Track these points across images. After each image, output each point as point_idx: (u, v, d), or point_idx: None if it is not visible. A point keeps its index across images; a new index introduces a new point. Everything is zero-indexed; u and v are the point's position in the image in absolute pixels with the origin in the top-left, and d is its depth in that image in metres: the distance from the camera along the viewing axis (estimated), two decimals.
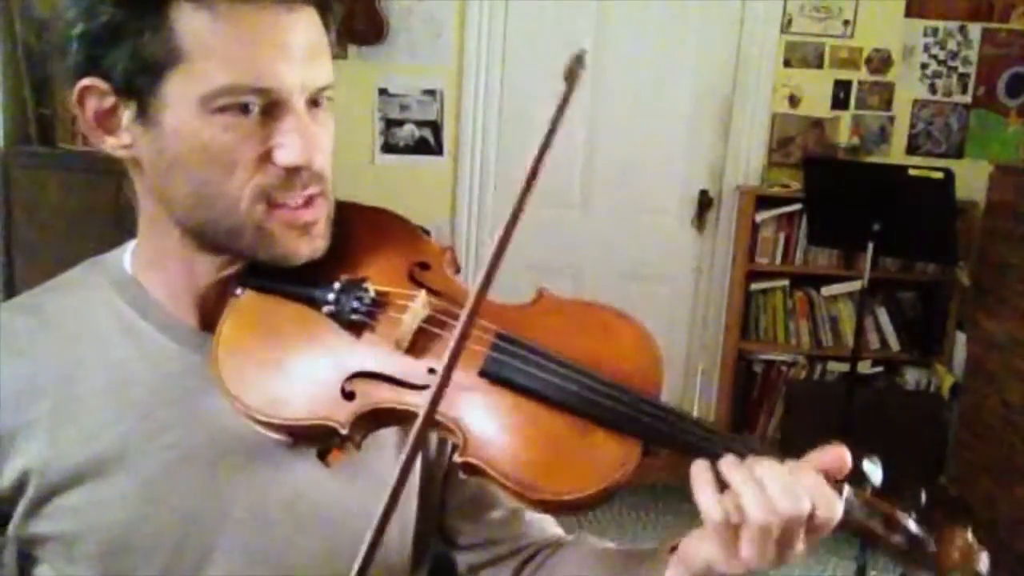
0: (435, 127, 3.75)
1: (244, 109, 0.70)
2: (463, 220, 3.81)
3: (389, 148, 3.74)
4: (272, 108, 0.71)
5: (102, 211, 2.26)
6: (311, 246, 0.76)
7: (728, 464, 0.67)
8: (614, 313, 0.76)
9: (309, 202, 0.75)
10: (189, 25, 0.69)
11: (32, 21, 2.40)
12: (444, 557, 0.95)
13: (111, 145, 0.76)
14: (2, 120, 2.40)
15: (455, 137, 3.75)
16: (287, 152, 0.72)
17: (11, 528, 0.79)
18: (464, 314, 0.64)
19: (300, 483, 0.79)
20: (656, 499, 3.21)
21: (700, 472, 0.67)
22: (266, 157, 0.72)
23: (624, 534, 3.01)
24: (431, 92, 3.71)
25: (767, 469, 0.66)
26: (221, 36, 0.69)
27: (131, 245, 0.85)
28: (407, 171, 3.75)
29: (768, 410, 3.79)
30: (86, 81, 0.73)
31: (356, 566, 0.58)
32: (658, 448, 0.69)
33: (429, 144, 3.76)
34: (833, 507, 0.66)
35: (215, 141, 0.70)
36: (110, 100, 0.73)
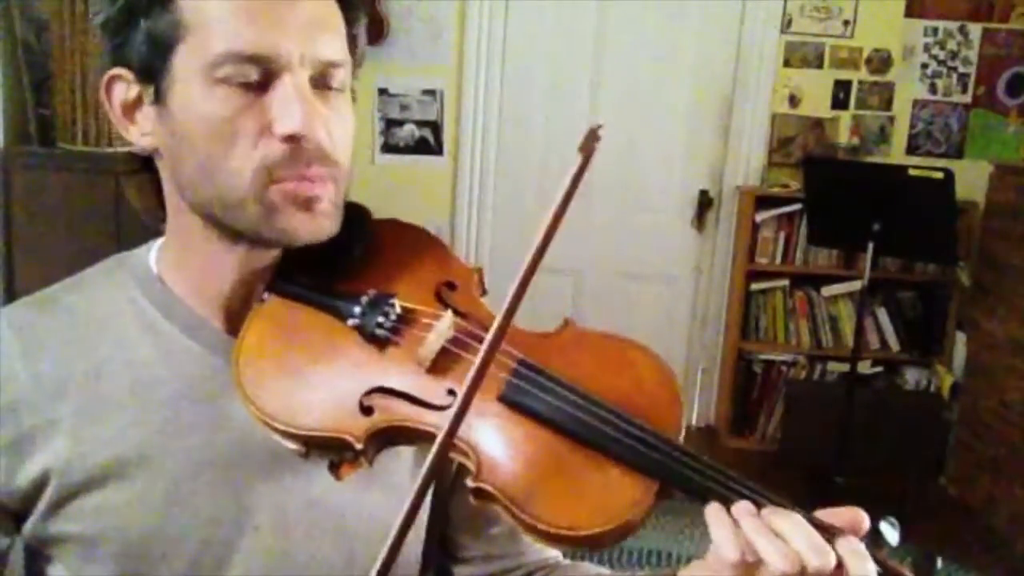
0: (435, 127, 3.75)
1: (245, 82, 0.70)
2: (463, 220, 3.81)
3: (389, 148, 3.74)
4: (272, 79, 0.71)
5: (102, 211, 2.25)
6: (314, 224, 0.74)
7: (741, 511, 0.65)
8: (638, 349, 0.75)
9: (314, 179, 0.74)
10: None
11: (32, 21, 2.40)
12: (444, 568, 0.95)
13: (134, 135, 0.77)
14: (2, 120, 2.40)
15: (455, 137, 3.75)
16: (284, 121, 0.70)
17: (28, 527, 0.78)
18: (485, 344, 0.64)
19: (318, 490, 0.79)
20: (662, 501, 3.21)
21: (717, 513, 0.65)
22: (267, 130, 0.71)
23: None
24: (431, 92, 3.71)
25: (787, 519, 0.64)
26: (221, 6, 0.70)
27: (157, 243, 0.85)
28: (407, 171, 3.75)
29: (768, 410, 3.79)
30: (112, 71, 0.75)
31: None
32: (674, 490, 0.67)
33: (429, 144, 3.76)
34: (864, 560, 0.63)
35: (216, 113, 0.70)
36: (135, 89, 0.75)
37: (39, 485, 0.76)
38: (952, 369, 3.71)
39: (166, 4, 0.71)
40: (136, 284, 0.82)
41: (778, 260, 3.71)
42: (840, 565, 0.63)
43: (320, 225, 0.75)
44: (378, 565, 0.60)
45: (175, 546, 0.77)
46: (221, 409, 0.77)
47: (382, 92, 3.69)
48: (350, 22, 0.77)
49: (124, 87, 0.75)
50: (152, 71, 0.72)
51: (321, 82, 0.74)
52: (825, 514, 0.67)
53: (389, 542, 0.60)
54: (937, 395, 3.70)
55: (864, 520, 0.67)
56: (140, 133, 0.76)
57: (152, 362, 0.79)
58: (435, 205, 3.77)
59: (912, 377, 3.75)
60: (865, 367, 3.65)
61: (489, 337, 0.66)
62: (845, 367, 3.44)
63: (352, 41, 0.78)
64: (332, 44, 0.74)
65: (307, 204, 0.73)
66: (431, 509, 0.88)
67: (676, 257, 3.92)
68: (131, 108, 0.76)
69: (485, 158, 3.79)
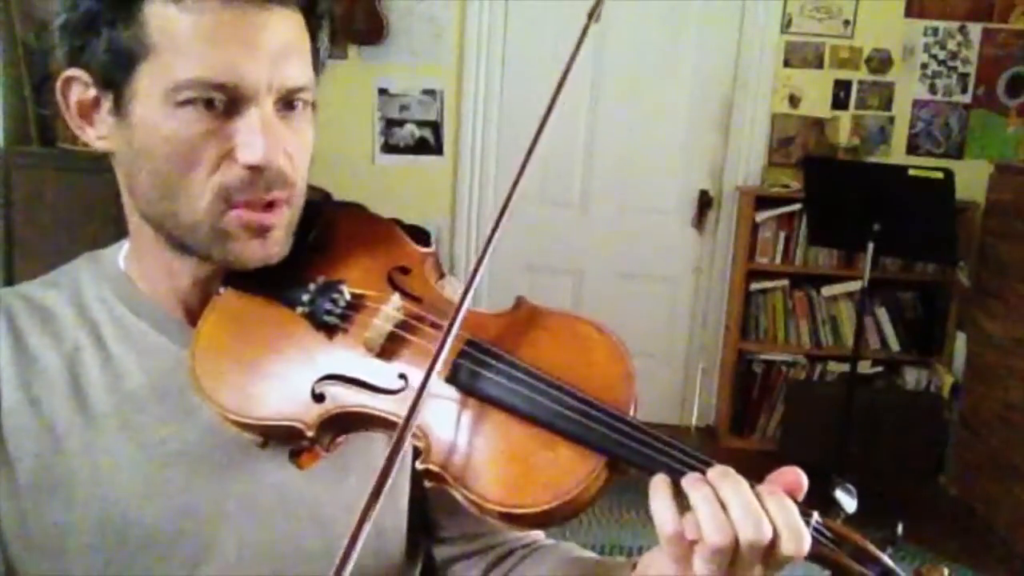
0: (435, 127, 3.75)
1: (208, 105, 0.70)
2: (463, 220, 3.81)
3: (389, 148, 3.74)
4: (236, 105, 0.71)
5: (102, 211, 2.25)
6: (264, 251, 0.75)
7: (690, 480, 0.64)
8: (590, 325, 0.74)
9: (271, 206, 0.74)
10: (159, 18, 0.69)
11: (32, 21, 2.40)
12: (425, 550, 0.95)
13: (90, 136, 0.77)
14: (2, 120, 2.40)
15: (455, 137, 3.75)
16: (247, 151, 0.71)
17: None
18: (449, 326, 0.65)
19: (293, 478, 0.78)
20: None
21: (659, 485, 0.64)
22: (228, 155, 0.71)
23: (624, 531, 3.01)
24: (431, 92, 3.71)
25: (732, 489, 0.63)
26: (189, 30, 0.69)
27: (127, 241, 0.86)
28: (407, 171, 3.75)
29: (768, 410, 3.79)
30: (69, 72, 0.75)
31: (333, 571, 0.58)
32: (626, 466, 0.66)
33: (429, 144, 3.76)
34: (800, 538, 0.62)
35: (178, 135, 0.70)
36: (92, 92, 0.75)
37: (9, 464, 0.76)
38: (952, 369, 3.71)
39: (131, 19, 0.70)
40: (105, 281, 0.84)
41: (778, 260, 3.71)
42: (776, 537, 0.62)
43: (270, 252, 0.76)
44: (342, 552, 0.59)
45: (150, 537, 0.77)
46: (190, 401, 0.77)
47: (382, 92, 3.69)
48: (314, 34, 0.77)
49: (81, 88, 0.75)
50: (112, 81, 0.72)
51: (285, 104, 0.74)
52: (768, 477, 0.66)
53: (351, 530, 0.60)
54: (937, 395, 3.70)
55: (803, 479, 0.66)
56: (96, 136, 0.76)
57: (122, 355, 0.80)
58: (435, 205, 3.77)
59: (912, 377, 3.75)
60: (865, 367, 3.65)
61: (451, 319, 0.66)
62: (845, 367, 3.44)
63: (315, 55, 0.78)
64: (299, 68, 0.74)
65: (261, 232, 0.74)
66: (412, 492, 0.88)
67: (676, 257, 3.92)
68: (88, 110, 0.76)
69: (485, 158, 3.79)
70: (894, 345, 3.74)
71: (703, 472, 0.65)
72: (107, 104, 0.74)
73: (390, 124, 3.73)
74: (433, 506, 0.91)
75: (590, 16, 0.78)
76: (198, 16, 0.69)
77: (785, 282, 3.75)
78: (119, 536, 0.77)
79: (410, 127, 3.74)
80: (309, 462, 0.71)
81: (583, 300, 3.88)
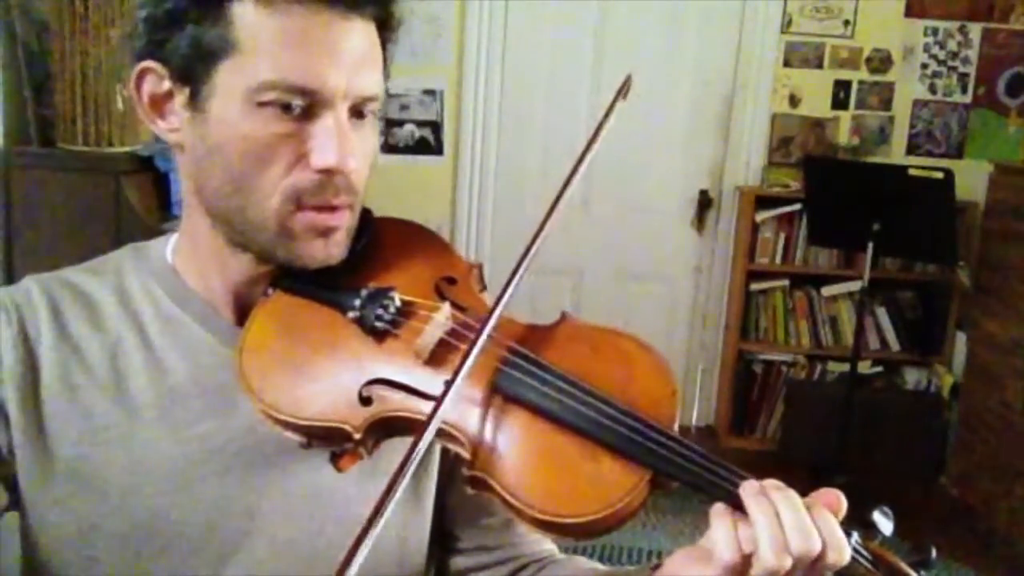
0: (435, 127, 3.75)
1: (287, 108, 0.72)
2: (463, 220, 3.81)
3: (389, 148, 3.75)
4: (314, 110, 0.73)
5: (102, 211, 2.25)
6: (326, 252, 0.77)
7: (750, 491, 0.66)
8: (634, 342, 0.76)
9: (335, 209, 0.76)
10: (247, 19, 0.71)
11: (32, 21, 2.40)
12: (439, 560, 0.95)
13: (161, 128, 0.78)
14: (2, 120, 2.40)
15: (455, 137, 3.75)
16: (322, 155, 0.73)
17: (29, 502, 0.78)
18: (483, 328, 0.66)
19: (324, 479, 0.79)
20: (662, 500, 3.21)
21: (722, 513, 0.66)
22: (302, 158, 0.73)
23: (632, 534, 3.01)
24: (431, 92, 3.72)
25: (785, 503, 0.65)
26: (275, 33, 0.71)
27: (174, 236, 0.87)
28: (407, 171, 3.76)
29: (768, 410, 3.79)
30: (146, 63, 0.76)
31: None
32: (668, 480, 0.68)
33: (429, 144, 3.76)
34: (842, 551, 0.65)
35: (255, 135, 0.72)
36: (166, 84, 0.76)
37: (47, 451, 0.77)
38: (952, 369, 3.72)
39: (219, 18, 0.71)
40: (151, 273, 0.84)
41: (778, 260, 3.72)
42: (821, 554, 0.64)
43: (331, 253, 0.78)
44: (352, 546, 0.61)
45: (181, 530, 0.78)
46: (230, 398, 0.78)
47: None
48: (384, 47, 0.79)
49: (155, 80, 0.76)
50: (191, 75, 0.74)
51: (356, 113, 0.76)
52: (809, 497, 0.68)
53: (360, 529, 0.62)
54: (937, 395, 3.70)
55: (843, 501, 0.68)
56: (168, 128, 0.78)
57: (165, 349, 0.81)
58: (435, 205, 3.77)
59: (912, 377, 3.75)
60: (865, 367, 3.65)
61: (485, 320, 0.68)
62: (845, 367, 3.44)
63: (384, 67, 0.80)
64: (373, 78, 0.76)
65: (326, 233, 0.76)
66: (437, 499, 0.88)
67: (676, 257, 3.92)
68: (160, 102, 0.77)
69: (485, 158, 3.79)
70: (894, 345, 3.74)
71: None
72: (181, 98, 0.75)
73: (390, 124, 3.73)
74: (451, 516, 0.92)
75: (618, 93, 0.84)
76: (285, 20, 0.71)
77: (785, 282, 3.76)
78: (150, 529, 0.77)
79: (410, 127, 3.74)
80: (349, 464, 0.72)
81: (583, 300, 3.88)
